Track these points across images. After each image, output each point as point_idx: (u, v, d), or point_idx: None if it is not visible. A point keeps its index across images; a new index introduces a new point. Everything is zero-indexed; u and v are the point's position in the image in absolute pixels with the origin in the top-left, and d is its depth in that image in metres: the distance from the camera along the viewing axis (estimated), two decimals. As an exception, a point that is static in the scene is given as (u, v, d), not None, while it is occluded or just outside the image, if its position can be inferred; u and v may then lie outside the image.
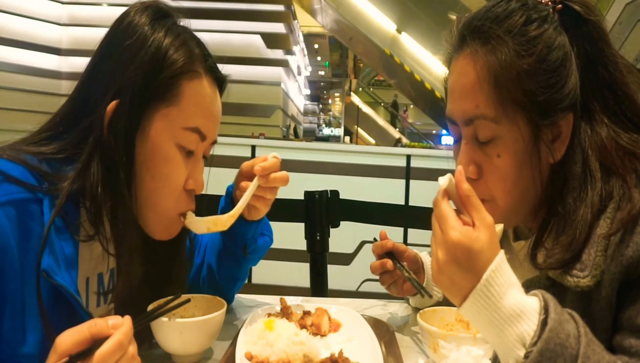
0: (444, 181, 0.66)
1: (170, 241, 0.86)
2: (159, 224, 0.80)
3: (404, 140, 13.31)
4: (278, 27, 9.45)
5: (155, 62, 0.74)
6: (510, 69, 0.70)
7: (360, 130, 17.65)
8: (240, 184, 0.93)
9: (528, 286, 0.73)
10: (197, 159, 0.81)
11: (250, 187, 0.89)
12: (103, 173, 0.73)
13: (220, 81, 0.84)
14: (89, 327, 0.55)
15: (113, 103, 0.73)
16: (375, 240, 1.04)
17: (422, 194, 3.59)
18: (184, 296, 0.76)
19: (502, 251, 0.62)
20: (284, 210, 1.77)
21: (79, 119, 0.74)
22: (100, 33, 0.78)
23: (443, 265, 0.62)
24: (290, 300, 1.00)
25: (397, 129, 17.25)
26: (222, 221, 0.86)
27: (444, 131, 12.87)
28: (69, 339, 0.54)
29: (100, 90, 0.74)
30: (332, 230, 1.71)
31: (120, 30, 0.76)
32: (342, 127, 18.67)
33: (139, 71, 0.73)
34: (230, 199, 0.99)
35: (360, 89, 19.66)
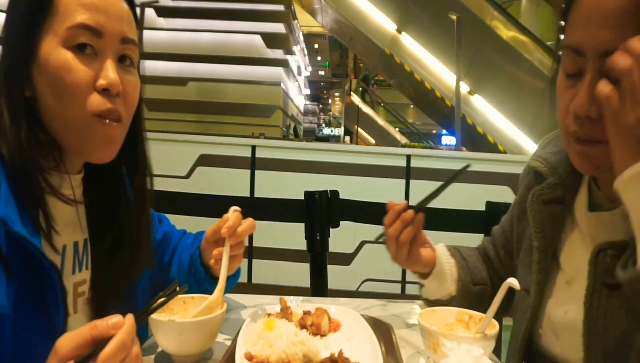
0: None
1: (136, 204, 0.85)
2: (80, 136, 0.75)
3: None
4: (278, 27, 9.46)
5: None
6: None
7: (360, 130, 17.65)
8: (213, 253, 0.93)
9: (608, 248, 0.70)
10: (104, 59, 0.74)
11: (225, 253, 0.89)
12: (11, 123, 0.70)
13: None
14: (89, 329, 0.54)
15: (2, 48, 0.72)
16: (379, 238, 1.02)
17: (422, 194, 3.58)
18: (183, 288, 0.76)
19: None
20: (284, 210, 1.77)
21: None
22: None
23: None
24: (290, 300, 0.99)
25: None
26: (215, 302, 0.84)
27: (444, 131, 12.87)
28: (69, 343, 0.53)
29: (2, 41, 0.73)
30: (332, 230, 1.71)
31: None
32: (342, 127, 18.68)
33: (13, 3, 0.73)
34: (199, 254, 0.99)
35: (360, 88, 19.66)
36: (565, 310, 0.81)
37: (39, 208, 0.71)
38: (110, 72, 0.74)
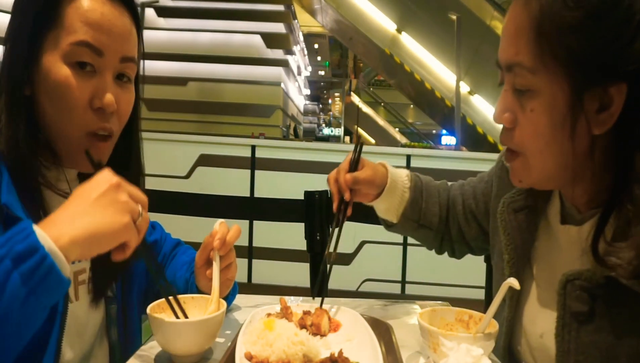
0: None
1: None
2: (73, 150, 0.78)
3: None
4: (278, 27, 9.46)
5: None
6: (553, 19, 0.65)
7: (360, 130, 17.65)
8: (207, 274, 0.91)
9: (575, 278, 0.70)
10: (102, 77, 0.77)
11: (215, 267, 0.89)
12: (9, 120, 0.73)
13: None
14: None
15: (7, 48, 0.75)
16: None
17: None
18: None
19: None
20: (284, 210, 1.77)
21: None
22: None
23: None
24: (290, 300, 1.00)
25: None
26: (215, 303, 0.84)
27: (444, 131, 12.87)
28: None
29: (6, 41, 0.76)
30: (332, 230, 1.71)
31: None
32: (342, 128, 18.69)
33: (20, 7, 0.75)
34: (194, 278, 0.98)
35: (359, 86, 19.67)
36: (541, 333, 0.80)
37: (37, 202, 0.75)
38: (106, 93, 0.76)
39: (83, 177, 0.85)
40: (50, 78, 0.74)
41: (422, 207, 1.06)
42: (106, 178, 0.64)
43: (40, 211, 0.74)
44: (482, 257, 1.22)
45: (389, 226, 1.11)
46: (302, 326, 0.86)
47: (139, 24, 0.83)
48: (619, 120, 0.66)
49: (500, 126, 0.76)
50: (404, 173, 1.06)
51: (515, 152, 0.75)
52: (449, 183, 1.14)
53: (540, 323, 0.81)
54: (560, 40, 0.65)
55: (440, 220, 1.08)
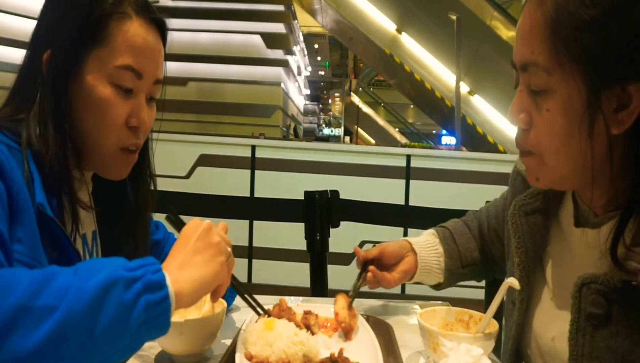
0: None
1: (137, 208, 0.92)
2: (105, 162, 0.84)
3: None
4: (278, 27, 9.46)
5: (82, 7, 0.78)
6: (569, 16, 0.63)
7: (360, 130, 17.66)
8: None
9: (591, 282, 0.69)
10: (138, 98, 0.82)
11: None
12: (45, 123, 0.76)
13: (158, 22, 0.85)
14: None
15: (47, 53, 0.77)
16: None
17: (422, 194, 3.58)
18: None
19: None
20: (284, 210, 1.77)
21: (28, 81, 0.79)
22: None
23: None
24: (291, 300, 1.00)
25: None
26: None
27: (444, 131, 12.87)
28: None
29: (40, 47, 0.78)
30: (332, 230, 1.71)
31: None
32: (342, 127, 18.70)
33: (68, 17, 0.78)
34: None
35: (360, 89, 19.66)
36: (552, 337, 0.79)
37: (64, 205, 0.78)
38: (142, 113, 0.82)
39: (97, 178, 0.89)
40: (94, 95, 0.78)
41: (461, 250, 1.08)
42: (197, 222, 0.70)
43: (66, 220, 0.77)
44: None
45: (437, 287, 1.12)
46: (306, 326, 0.86)
47: (165, 46, 0.88)
48: (638, 120, 0.65)
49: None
50: (430, 232, 1.10)
51: (531, 151, 0.74)
52: (476, 211, 1.16)
53: (552, 326, 0.80)
54: (576, 38, 0.64)
55: (481, 252, 1.09)
